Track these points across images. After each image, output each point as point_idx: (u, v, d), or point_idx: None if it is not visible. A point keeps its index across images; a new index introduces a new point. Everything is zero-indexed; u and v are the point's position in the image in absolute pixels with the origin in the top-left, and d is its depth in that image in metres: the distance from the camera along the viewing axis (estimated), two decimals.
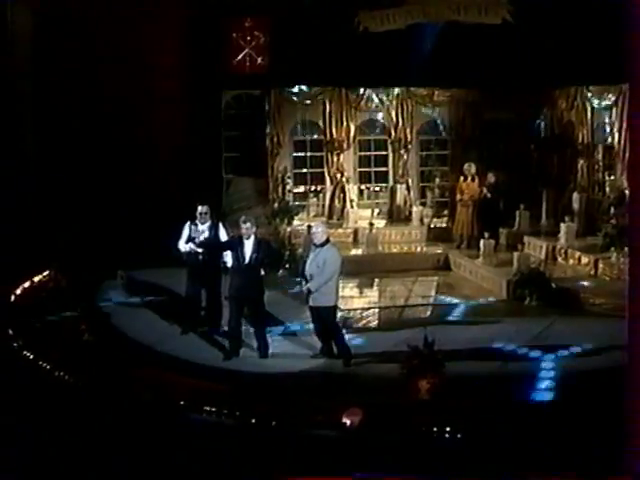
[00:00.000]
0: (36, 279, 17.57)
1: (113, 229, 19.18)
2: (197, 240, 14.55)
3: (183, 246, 14.80)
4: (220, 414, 10.84)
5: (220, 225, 15.08)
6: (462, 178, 21.08)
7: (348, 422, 10.30)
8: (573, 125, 22.06)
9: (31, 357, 13.12)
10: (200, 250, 14.64)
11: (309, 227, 20.48)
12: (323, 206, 23.16)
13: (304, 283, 13.22)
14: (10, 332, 14.20)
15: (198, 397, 11.36)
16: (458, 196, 21.09)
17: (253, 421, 10.58)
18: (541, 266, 17.93)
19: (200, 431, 10.69)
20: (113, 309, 16.14)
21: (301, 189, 23.29)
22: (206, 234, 14.76)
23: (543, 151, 22.99)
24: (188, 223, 14.77)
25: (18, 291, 16.83)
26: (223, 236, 14.90)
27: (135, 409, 11.27)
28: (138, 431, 10.59)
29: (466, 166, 21.10)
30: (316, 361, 13.25)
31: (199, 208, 14.84)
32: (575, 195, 21.06)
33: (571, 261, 18.89)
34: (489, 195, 20.68)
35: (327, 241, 13.24)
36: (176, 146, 21.65)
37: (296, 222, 21.85)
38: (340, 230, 21.52)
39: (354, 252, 20.77)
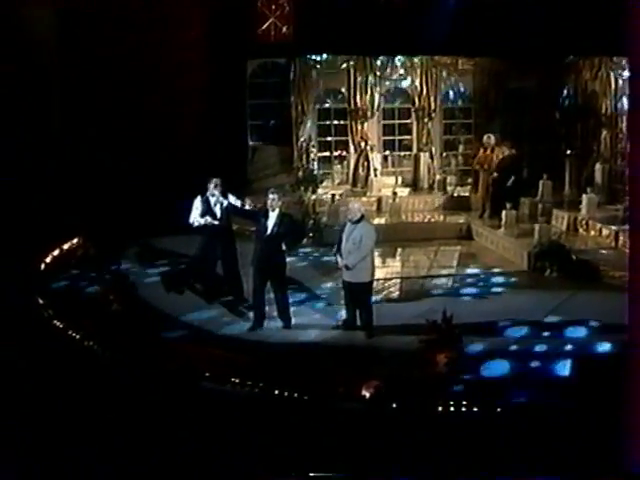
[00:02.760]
0: (65, 247, 17.84)
1: (140, 198, 19.35)
2: (215, 214, 14.85)
3: (199, 219, 14.95)
4: (243, 385, 11.12)
5: (230, 195, 15.24)
6: (482, 149, 21.15)
7: (367, 394, 10.60)
8: (597, 95, 21.96)
9: (61, 326, 13.48)
10: (217, 222, 14.89)
11: (333, 196, 20.86)
12: (347, 174, 23.24)
13: (340, 260, 13.43)
14: (40, 301, 14.53)
15: (222, 368, 11.65)
16: (478, 167, 21.19)
17: (276, 392, 10.88)
18: (562, 237, 18.07)
19: (223, 401, 10.95)
20: (141, 279, 16.33)
21: (326, 156, 23.33)
22: (224, 205, 15.00)
23: (567, 121, 22.91)
24: (199, 197, 14.97)
25: (48, 259, 17.12)
26: (238, 204, 15.16)
27: (161, 379, 11.56)
28: (163, 400, 10.85)
29: (485, 137, 21.12)
30: (338, 332, 13.50)
31: (214, 180, 15.04)
32: (598, 166, 21.07)
33: (592, 232, 18.92)
34: (505, 167, 20.60)
35: (362, 217, 13.43)
36: (202, 114, 21.77)
37: (320, 191, 21.94)
38: (364, 199, 21.60)
39: (377, 221, 20.85)
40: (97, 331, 13.07)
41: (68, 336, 13.11)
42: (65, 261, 17.19)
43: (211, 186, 14.95)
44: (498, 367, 11.83)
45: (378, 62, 23.01)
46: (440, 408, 10.41)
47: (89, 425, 10.21)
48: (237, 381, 11.22)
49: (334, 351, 12.72)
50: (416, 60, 23.20)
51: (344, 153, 23.26)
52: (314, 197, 21.34)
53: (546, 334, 13.21)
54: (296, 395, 10.80)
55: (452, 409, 10.38)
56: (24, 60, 19.83)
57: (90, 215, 18.41)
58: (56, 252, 17.50)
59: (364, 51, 22.46)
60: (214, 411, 10.66)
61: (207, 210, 14.91)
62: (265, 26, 21.89)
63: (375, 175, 22.82)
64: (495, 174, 20.57)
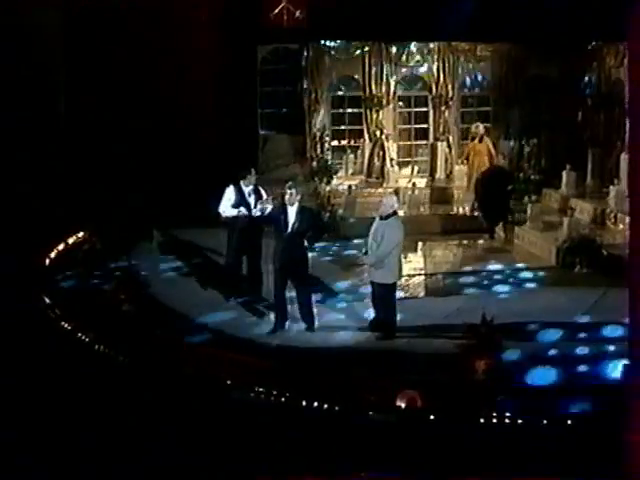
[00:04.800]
0: (70, 241, 17.39)
1: (148, 189, 18.91)
2: (249, 204, 14.32)
3: (230, 210, 14.45)
4: (266, 393, 10.52)
5: (259, 188, 14.74)
6: (470, 139, 20.49)
7: (403, 405, 9.98)
8: (622, 83, 21.34)
9: (69, 327, 12.94)
10: (248, 214, 14.36)
11: (349, 187, 20.25)
12: (362, 164, 22.67)
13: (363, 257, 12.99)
14: (47, 300, 13.94)
15: (241, 373, 11.14)
16: (470, 160, 20.41)
17: (304, 403, 10.22)
18: (590, 231, 17.49)
19: (242, 408, 10.47)
20: (152, 277, 15.68)
21: (339, 145, 22.76)
22: (252, 198, 14.43)
23: (589, 110, 22.39)
24: (232, 187, 14.48)
25: (53, 254, 16.61)
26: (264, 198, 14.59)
27: (175, 384, 11.08)
28: (178, 405, 10.46)
29: (473, 127, 20.59)
30: (365, 335, 12.81)
31: (246, 171, 14.59)
32: (623, 156, 20.44)
33: (621, 226, 18.31)
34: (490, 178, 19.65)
35: (393, 214, 12.69)
36: (211, 102, 21.36)
37: (335, 181, 21.43)
38: (380, 190, 20.97)
39: None
40: (108, 333, 12.51)
41: (77, 338, 12.60)
42: (70, 257, 16.72)
43: (247, 176, 14.50)
44: (536, 374, 11.18)
45: (394, 48, 22.48)
46: (482, 419, 9.70)
47: (99, 431, 9.85)
48: (258, 388, 10.60)
49: (361, 355, 12.04)
50: (433, 46, 22.68)
51: (357, 142, 22.68)
52: (329, 188, 20.79)
53: (583, 335, 12.61)
54: (326, 406, 10.08)
55: (494, 420, 9.68)
56: (34, 50, 19.47)
57: (96, 208, 17.94)
58: (61, 247, 17.00)
59: (379, 37, 21.98)
60: (230, 418, 10.24)
61: (240, 201, 14.37)
62: (277, 10, 21.49)
63: (391, 165, 22.26)
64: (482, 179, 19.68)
